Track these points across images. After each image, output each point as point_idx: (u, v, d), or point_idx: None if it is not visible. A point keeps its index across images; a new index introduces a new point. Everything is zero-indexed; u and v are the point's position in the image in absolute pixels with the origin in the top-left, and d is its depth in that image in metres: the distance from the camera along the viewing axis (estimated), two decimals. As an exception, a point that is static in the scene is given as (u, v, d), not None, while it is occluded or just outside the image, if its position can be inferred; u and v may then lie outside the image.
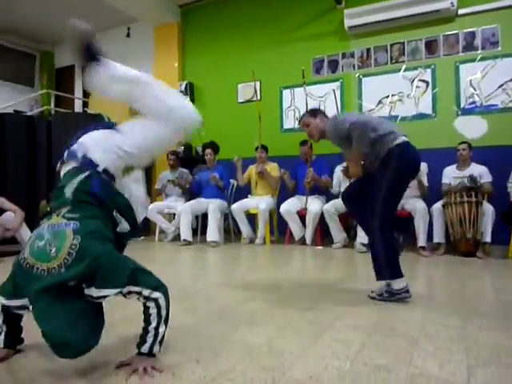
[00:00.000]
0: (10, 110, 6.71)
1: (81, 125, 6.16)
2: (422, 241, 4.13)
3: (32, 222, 4.92)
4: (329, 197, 4.97)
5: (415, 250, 4.19)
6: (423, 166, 4.50)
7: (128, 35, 7.51)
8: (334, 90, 5.25)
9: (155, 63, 7.00)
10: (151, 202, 5.94)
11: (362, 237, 4.35)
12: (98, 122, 6.30)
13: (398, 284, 2.36)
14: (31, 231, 4.75)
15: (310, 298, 2.50)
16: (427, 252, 4.10)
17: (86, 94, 8.04)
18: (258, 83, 5.87)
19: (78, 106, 8.23)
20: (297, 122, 5.87)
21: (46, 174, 5.69)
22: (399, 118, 5.25)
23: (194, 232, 5.39)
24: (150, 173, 6.79)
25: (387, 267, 2.38)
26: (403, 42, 5.28)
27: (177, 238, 5.38)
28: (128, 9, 6.48)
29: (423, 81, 5.17)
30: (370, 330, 1.88)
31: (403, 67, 5.27)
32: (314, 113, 2.84)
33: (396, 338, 1.79)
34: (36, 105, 8.05)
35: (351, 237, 4.97)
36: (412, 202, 4.29)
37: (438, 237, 4.17)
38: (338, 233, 4.67)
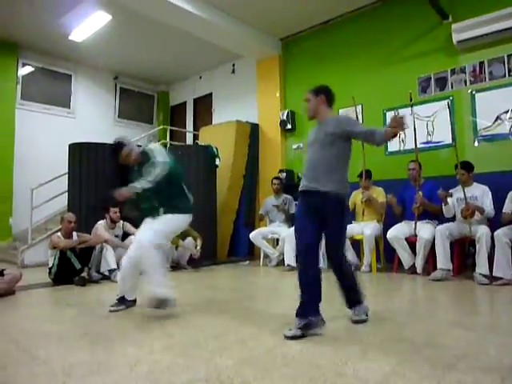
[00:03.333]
0: (133, 145, 7.58)
1: (192, 155, 6.72)
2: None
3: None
4: (441, 222, 4.61)
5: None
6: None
7: (233, 71, 8.06)
8: (447, 106, 4.92)
9: (258, 95, 7.36)
10: (255, 227, 6.15)
11: (481, 267, 3.95)
12: (207, 152, 6.74)
13: None
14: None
15: (425, 332, 2.34)
16: None
17: (196, 128, 8.76)
18: (359, 107, 5.79)
19: (189, 139, 8.99)
20: (402, 145, 5.65)
21: (162, 202, 6.25)
22: (522, 134, 4.74)
23: (298, 257, 5.40)
24: (254, 198, 7.07)
25: None
26: (523, 52, 4.81)
27: (281, 262, 5.45)
28: (234, 47, 6.98)
29: (550, 92, 4.62)
30: (504, 374, 1.68)
31: (524, 78, 4.77)
32: (317, 92, 2.71)
33: (536, 386, 1.58)
34: (154, 139, 8.98)
35: (469, 266, 4.55)
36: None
37: None
38: (443, 261, 4.24)
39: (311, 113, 2.70)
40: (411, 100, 4.73)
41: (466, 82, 5.19)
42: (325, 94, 2.68)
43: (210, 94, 8.68)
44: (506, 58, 4.91)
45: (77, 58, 8.02)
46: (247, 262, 6.04)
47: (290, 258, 5.13)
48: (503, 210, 4.17)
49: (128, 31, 6.97)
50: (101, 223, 4.91)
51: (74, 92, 8.30)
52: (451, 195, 4.48)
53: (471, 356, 1.92)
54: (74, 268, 4.33)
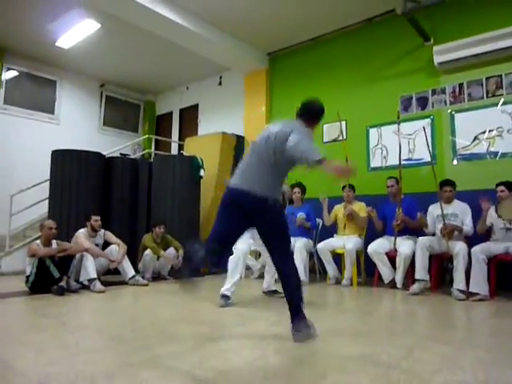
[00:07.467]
0: (117, 153, 7.54)
1: (177, 166, 6.70)
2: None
3: (133, 254, 5.38)
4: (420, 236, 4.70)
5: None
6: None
7: (220, 83, 8.13)
8: (424, 128, 5.05)
9: (245, 108, 7.43)
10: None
11: (458, 282, 4.03)
12: (191, 163, 6.68)
13: None
14: (132, 264, 5.18)
15: (403, 347, 2.37)
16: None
17: (181, 138, 8.77)
18: (343, 123, 5.91)
19: (174, 149, 8.98)
20: (384, 161, 5.78)
21: (146, 211, 6.22)
22: (499, 154, 4.90)
23: (280, 270, 5.41)
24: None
25: None
26: (500, 75, 4.99)
27: (263, 275, 5.44)
28: (222, 60, 7.07)
29: (525, 114, 4.81)
30: (476, 389, 1.73)
31: (501, 101, 4.96)
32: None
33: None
34: (138, 148, 8.95)
35: (447, 281, 4.64)
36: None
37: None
38: (422, 272, 4.32)
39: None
40: (398, 118, 4.86)
41: (446, 102, 5.36)
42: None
43: (197, 105, 8.72)
44: (484, 80, 5.10)
45: (63, 64, 7.97)
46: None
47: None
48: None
49: (116, 40, 6.98)
50: (81, 231, 4.85)
51: (59, 98, 8.23)
52: (427, 221, 4.63)
53: (447, 371, 1.96)
54: (52, 277, 4.24)
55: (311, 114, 2.63)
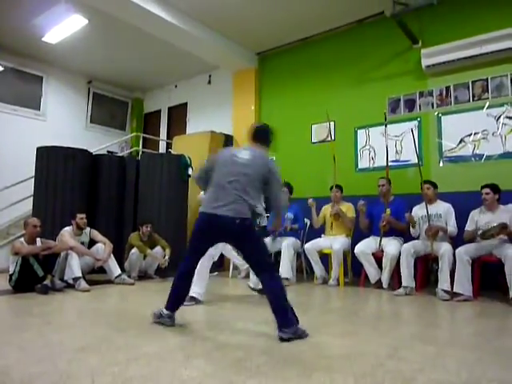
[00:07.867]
0: (104, 151, 7.46)
1: (165, 164, 6.64)
2: (514, 291, 3.75)
3: (119, 253, 5.32)
4: (406, 239, 4.75)
5: (507, 301, 3.82)
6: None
7: (209, 82, 8.11)
8: (412, 130, 5.10)
9: (234, 106, 7.42)
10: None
11: (443, 283, 4.09)
12: (179, 161, 6.65)
13: None
14: (118, 263, 5.10)
15: (387, 346, 2.39)
16: (521, 304, 3.71)
17: (169, 137, 8.72)
18: (332, 123, 5.94)
19: (162, 147, 8.92)
20: (372, 162, 5.82)
21: (133, 209, 6.15)
22: (484, 156, 4.98)
23: (267, 270, 5.41)
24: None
25: None
26: (486, 79, 5.08)
27: (249, 275, 5.44)
28: (211, 58, 7.06)
29: (511, 118, 4.89)
30: (459, 388, 1.75)
31: (487, 104, 5.04)
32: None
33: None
34: (126, 146, 8.87)
35: (432, 282, 4.70)
36: (502, 248, 3.95)
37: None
38: (408, 279, 4.37)
39: None
40: (385, 119, 4.90)
41: (433, 104, 5.43)
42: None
43: (185, 104, 8.68)
44: (470, 83, 5.17)
45: (49, 60, 7.85)
46: (216, 272, 6.00)
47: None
48: (466, 229, 4.35)
49: (104, 36, 6.91)
50: (67, 229, 4.79)
51: (45, 94, 8.10)
52: (416, 222, 4.64)
53: (431, 370, 1.98)
54: (36, 275, 4.17)
55: (267, 138, 3.01)
